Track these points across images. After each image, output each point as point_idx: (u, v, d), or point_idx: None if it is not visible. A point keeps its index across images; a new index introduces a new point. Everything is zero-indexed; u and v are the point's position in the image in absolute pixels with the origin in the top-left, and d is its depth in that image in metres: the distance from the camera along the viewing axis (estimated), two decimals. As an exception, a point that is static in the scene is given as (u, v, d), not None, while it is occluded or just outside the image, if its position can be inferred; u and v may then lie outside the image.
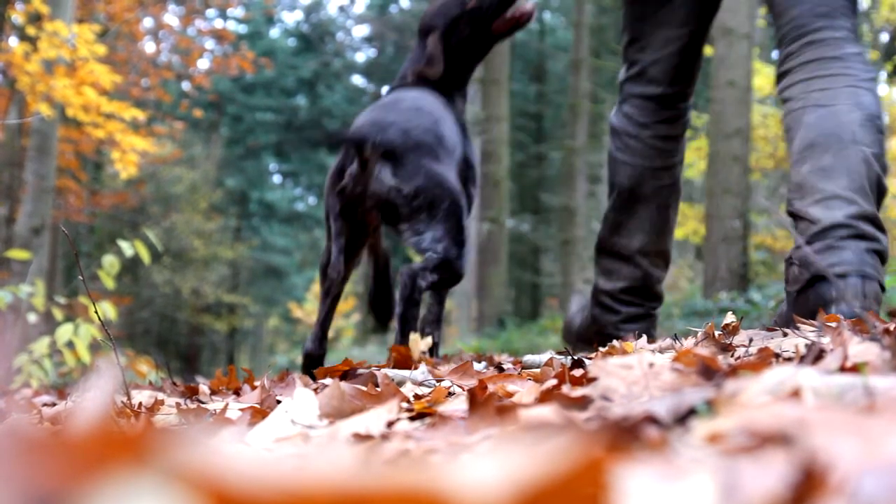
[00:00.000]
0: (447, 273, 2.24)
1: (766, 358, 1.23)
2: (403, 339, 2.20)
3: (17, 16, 7.76)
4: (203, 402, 1.76)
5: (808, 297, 1.92)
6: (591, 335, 2.68)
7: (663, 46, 2.51)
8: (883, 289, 1.90)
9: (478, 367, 1.95)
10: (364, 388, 1.30)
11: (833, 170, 1.97)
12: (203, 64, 15.74)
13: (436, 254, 2.21)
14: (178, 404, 1.65)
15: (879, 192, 1.99)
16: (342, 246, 2.26)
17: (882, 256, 1.92)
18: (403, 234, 2.26)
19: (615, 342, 2.36)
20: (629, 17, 2.59)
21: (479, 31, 2.58)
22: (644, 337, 2.02)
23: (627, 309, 2.63)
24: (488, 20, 2.57)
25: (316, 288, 25.65)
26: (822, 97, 2.07)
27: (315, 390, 1.46)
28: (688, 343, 1.68)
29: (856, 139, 1.99)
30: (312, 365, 2.34)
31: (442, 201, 2.22)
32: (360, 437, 0.97)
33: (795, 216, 2.06)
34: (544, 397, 1.09)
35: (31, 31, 6.96)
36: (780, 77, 2.30)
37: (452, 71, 2.58)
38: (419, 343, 2.15)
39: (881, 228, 1.95)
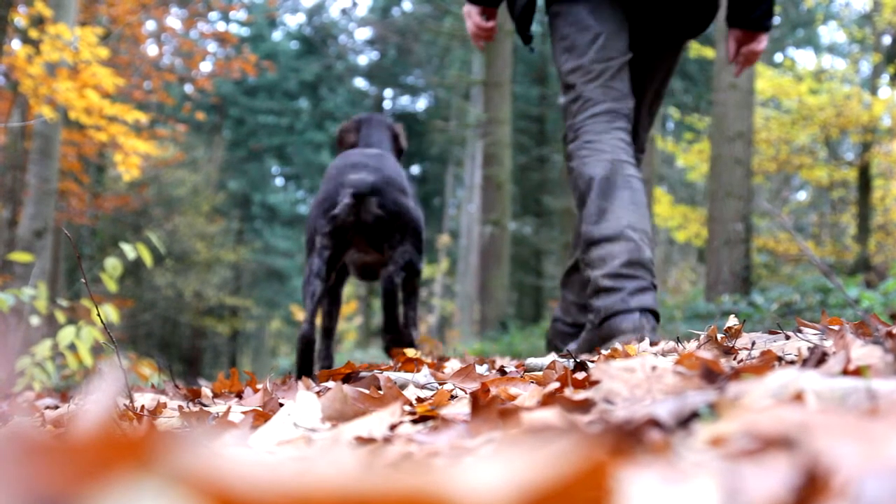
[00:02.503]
0: (410, 270, 2.89)
1: (769, 361, 1.23)
2: (389, 323, 2.84)
3: (19, 18, 7.78)
4: (205, 406, 1.76)
5: (602, 328, 2.60)
6: (595, 337, 2.65)
7: (599, 74, 2.89)
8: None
9: (480, 370, 1.95)
10: (366, 392, 1.30)
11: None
12: (205, 67, 15.76)
13: (402, 259, 2.85)
14: (180, 407, 1.65)
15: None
16: (327, 257, 2.78)
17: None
18: (383, 248, 2.88)
19: (620, 335, 2.42)
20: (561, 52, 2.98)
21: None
22: (646, 339, 2.01)
23: (631, 283, 2.57)
24: None
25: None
26: None
27: (317, 393, 1.46)
28: (690, 346, 1.67)
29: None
30: (308, 349, 2.77)
31: (408, 225, 2.85)
32: (363, 441, 0.97)
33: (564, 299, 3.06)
34: (547, 400, 1.09)
35: (33, 33, 6.97)
36: None
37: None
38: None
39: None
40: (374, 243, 2.86)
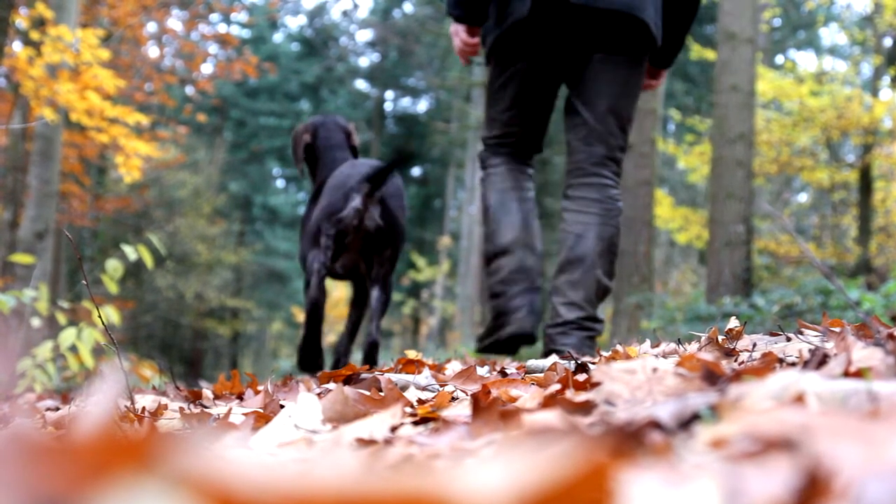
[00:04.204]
0: (386, 309, 3.10)
1: (770, 363, 1.23)
2: (375, 335, 3.05)
3: (21, 20, 7.78)
4: (206, 407, 1.76)
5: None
6: (492, 326, 3.12)
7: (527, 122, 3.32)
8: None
9: (481, 371, 1.95)
10: (367, 393, 1.30)
11: (577, 283, 3.11)
12: (207, 68, 15.76)
13: (383, 296, 3.05)
14: (181, 409, 1.65)
15: (603, 295, 3.16)
16: (329, 254, 2.92)
17: (595, 339, 3.13)
18: (373, 259, 3.04)
19: (507, 329, 2.66)
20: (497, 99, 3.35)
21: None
22: (647, 341, 2.01)
23: (516, 287, 3.12)
24: None
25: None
26: (582, 228, 3.13)
27: (318, 395, 1.46)
28: (691, 348, 1.67)
29: (594, 264, 3.11)
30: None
31: (399, 243, 3.02)
32: (364, 442, 0.97)
33: (553, 307, 3.16)
34: (548, 402, 1.09)
35: (35, 35, 6.97)
36: (564, 195, 3.29)
37: None
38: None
39: (598, 321, 3.12)
40: (370, 250, 3.01)
